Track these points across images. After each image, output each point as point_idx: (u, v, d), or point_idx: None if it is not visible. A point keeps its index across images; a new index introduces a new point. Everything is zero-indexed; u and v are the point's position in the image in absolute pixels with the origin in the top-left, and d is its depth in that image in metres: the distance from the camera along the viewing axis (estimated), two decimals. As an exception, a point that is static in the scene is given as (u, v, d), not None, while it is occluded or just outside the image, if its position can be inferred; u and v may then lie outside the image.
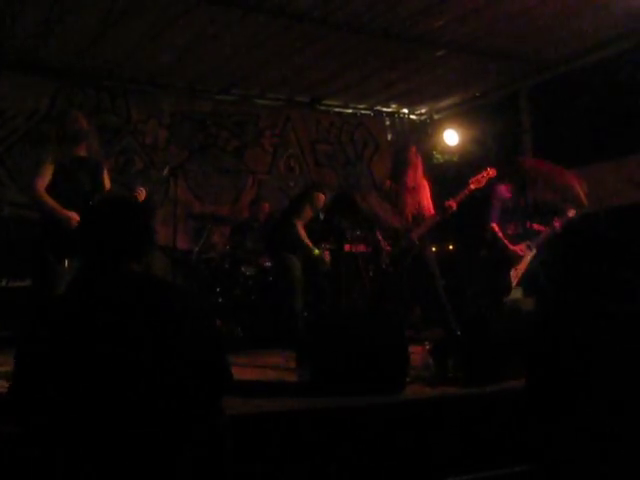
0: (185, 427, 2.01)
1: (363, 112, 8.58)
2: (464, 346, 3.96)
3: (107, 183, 4.58)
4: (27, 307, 5.34)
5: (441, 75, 7.20)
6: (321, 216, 5.86)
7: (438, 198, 5.85)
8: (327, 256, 5.73)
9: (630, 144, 6.37)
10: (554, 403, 2.11)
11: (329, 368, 3.54)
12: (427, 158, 7.46)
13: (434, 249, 6.32)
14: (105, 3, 5.36)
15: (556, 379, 2.11)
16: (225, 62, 6.74)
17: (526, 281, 5.58)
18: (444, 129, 8.07)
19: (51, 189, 4.30)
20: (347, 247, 6.40)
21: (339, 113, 8.48)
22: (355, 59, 6.68)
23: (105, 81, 7.14)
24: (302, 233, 5.60)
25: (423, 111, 8.76)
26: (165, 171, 4.81)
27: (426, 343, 4.24)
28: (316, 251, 5.60)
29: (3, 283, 5.71)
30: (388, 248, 5.62)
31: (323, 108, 8.35)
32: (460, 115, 8.27)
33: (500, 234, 5.68)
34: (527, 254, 5.63)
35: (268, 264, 6.43)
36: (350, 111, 8.51)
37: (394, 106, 8.56)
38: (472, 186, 5.61)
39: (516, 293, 5.62)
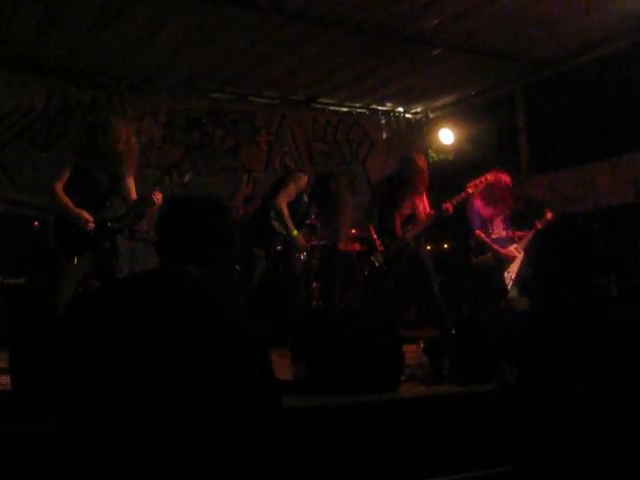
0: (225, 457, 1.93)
1: (359, 110, 8.58)
2: (459, 345, 3.97)
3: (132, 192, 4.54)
4: (20, 305, 5.36)
5: (437, 74, 7.20)
6: (304, 198, 5.84)
7: (433, 197, 5.88)
8: (302, 240, 5.72)
9: (625, 144, 6.39)
10: (543, 404, 2.12)
11: (324, 366, 3.55)
12: (422, 157, 7.46)
13: (429, 247, 6.34)
14: (100, 1, 5.36)
15: (545, 379, 2.13)
16: (221, 60, 6.74)
17: (519, 282, 5.65)
18: (439, 128, 8.10)
19: (69, 188, 4.29)
20: (342, 246, 6.39)
21: (335, 111, 8.48)
22: (351, 58, 6.68)
23: (101, 79, 7.12)
24: (285, 211, 5.58)
25: (419, 110, 8.76)
26: (186, 177, 4.74)
27: (421, 342, 4.25)
28: (295, 231, 5.61)
29: (-1, 280, 5.70)
30: (381, 248, 5.64)
31: (319, 106, 8.35)
32: (455, 114, 8.29)
33: (487, 240, 5.76)
34: (517, 256, 5.72)
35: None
36: (346, 109, 8.50)
37: (390, 105, 8.56)
38: (470, 190, 5.65)
39: (512, 292, 5.67)
